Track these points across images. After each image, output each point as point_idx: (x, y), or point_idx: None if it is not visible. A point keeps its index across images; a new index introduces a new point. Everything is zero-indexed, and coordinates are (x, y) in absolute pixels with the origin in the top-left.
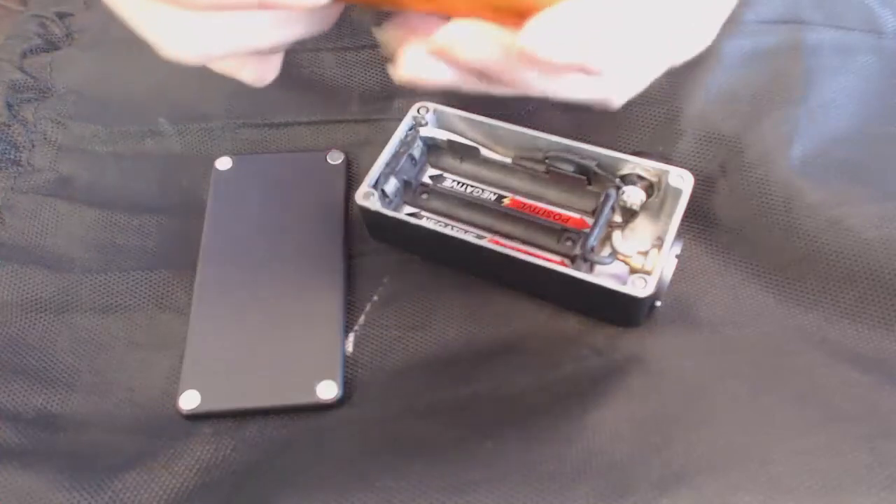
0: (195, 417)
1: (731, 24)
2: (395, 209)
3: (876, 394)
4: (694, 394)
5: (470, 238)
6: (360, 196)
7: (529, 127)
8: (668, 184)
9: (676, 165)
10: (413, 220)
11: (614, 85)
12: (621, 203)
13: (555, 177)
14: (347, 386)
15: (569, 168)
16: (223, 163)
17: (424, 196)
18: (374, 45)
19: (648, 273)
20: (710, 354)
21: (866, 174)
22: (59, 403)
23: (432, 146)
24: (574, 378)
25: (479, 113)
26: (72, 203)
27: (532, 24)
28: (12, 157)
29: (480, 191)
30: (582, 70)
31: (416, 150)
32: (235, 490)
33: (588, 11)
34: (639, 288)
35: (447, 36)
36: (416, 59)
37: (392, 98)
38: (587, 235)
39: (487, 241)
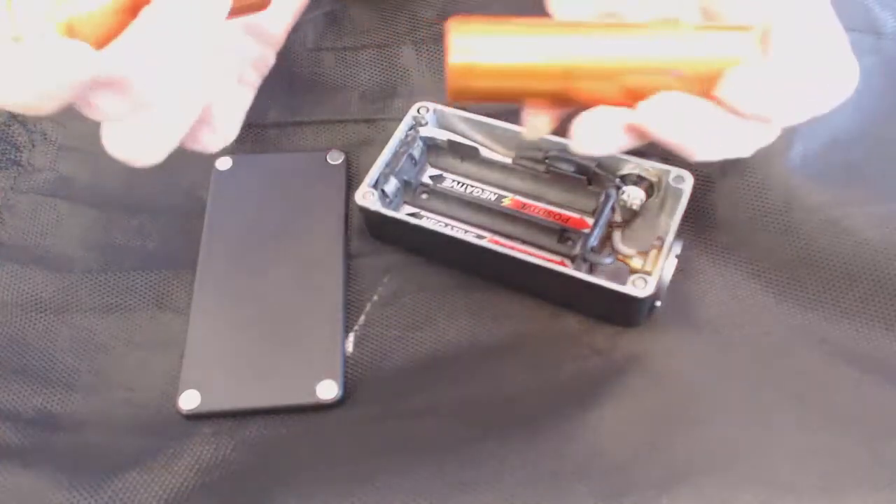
0: (195, 417)
1: None
2: (395, 209)
3: (876, 394)
4: (694, 394)
5: (470, 238)
6: (360, 196)
7: None
8: (668, 184)
9: (676, 165)
10: (413, 220)
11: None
12: (621, 203)
13: (555, 177)
14: (347, 386)
15: (569, 168)
16: (223, 163)
17: (424, 196)
18: (374, 45)
19: (648, 273)
20: (710, 354)
21: (866, 175)
22: (59, 403)
23: (432, 146)
24: (574, 378)
25: (479, 113)
26: (72, 203)
27: (731, 79)
28: (12, 157)
29: (480, 191)
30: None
31: (416, 150)
32: (235, 490)
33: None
34: (639, 288)
35: (648, 111)
36: (596, 130)
37: (392, 98)
38: (587, 235)
39: (487, 241)
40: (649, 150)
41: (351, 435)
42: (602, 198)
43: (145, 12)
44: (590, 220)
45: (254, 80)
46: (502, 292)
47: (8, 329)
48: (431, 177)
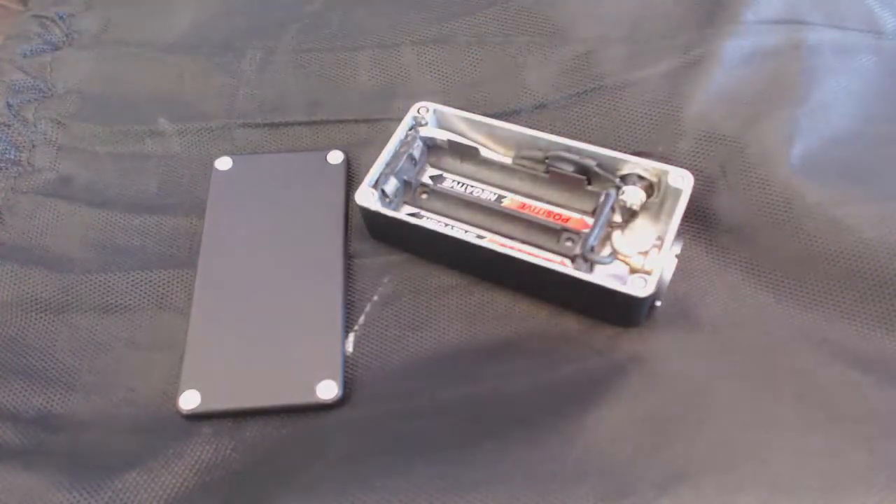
0: (195, 417)
1: (731, 24)
2: (395, 209)
3: (876, 394)
4: (694, 394)
5: (470, 238)
6: (360, 196)
7: (529, 127)
8: (668, 184)
9: (676, 165)
10: (413, 220)
11: None
12: (621, 203)
13: (555, 177)
14: (347, 386)
15: (569, 168)
16: (223, 163)
17: (424, 196)
18: (374, 46)
19: (648, 273)
20: (710, 354)
21: (866, 174)
22: (59, 403)
23: (432, 146)
24: (574, 378)
25: (478, 113)
26: (72, 203)
27: None
28: (12, 157)
29: (480, 191)
30: None
31: (416, 150)
32: (235, 490)
33: None
34: (639, 288)
35: None
36: None
37: (392, 98)
38: (587, 235)
39: (487, 241)
40: (648, 149)
41: (351, 435)
42: (602, 198)
43: None
44: (590, 220)
45: None
46: (502, 292)
47: (8, 329)
48: (431, 177)
